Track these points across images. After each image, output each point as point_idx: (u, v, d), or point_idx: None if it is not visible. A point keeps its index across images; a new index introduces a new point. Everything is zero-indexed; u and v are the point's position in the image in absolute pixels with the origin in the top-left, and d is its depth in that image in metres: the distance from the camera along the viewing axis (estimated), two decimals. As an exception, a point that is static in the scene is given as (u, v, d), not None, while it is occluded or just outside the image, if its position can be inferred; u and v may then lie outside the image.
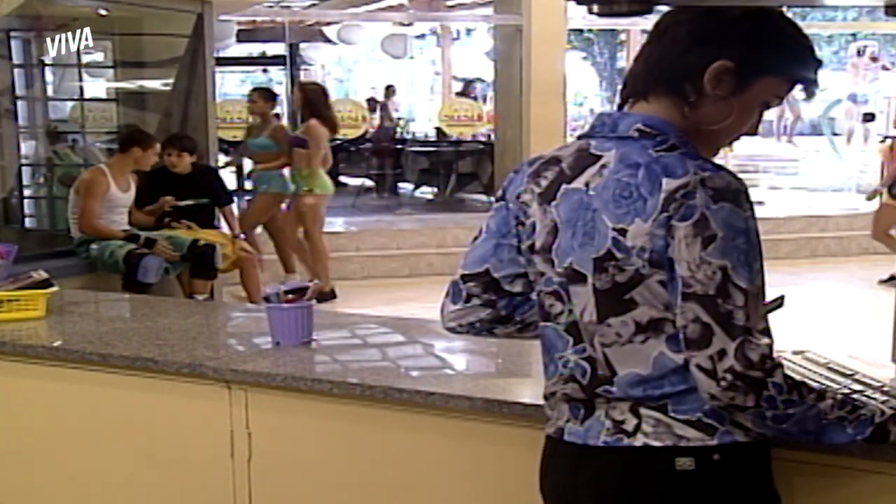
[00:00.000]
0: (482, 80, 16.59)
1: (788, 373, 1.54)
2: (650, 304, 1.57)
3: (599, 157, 1.62)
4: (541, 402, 1.80)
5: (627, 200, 1.55)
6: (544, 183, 1.69)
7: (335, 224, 10.27)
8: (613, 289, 1.59)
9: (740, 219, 1.50)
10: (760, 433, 1.59)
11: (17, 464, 2.79)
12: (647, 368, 1.59)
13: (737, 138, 1.71)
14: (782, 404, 1.50)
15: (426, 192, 12.92)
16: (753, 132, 1.70)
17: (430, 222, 10.12)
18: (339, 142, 12.83)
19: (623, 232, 1.55)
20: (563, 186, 1.66)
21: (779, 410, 1.51)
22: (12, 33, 7.79)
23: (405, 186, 13.19)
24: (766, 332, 1.51)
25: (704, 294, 1.49)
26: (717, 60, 1.58)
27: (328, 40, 16.28)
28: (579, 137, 1.71)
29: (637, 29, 14.14)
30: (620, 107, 1.69)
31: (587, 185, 1.62)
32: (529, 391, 2.10)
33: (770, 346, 1.50)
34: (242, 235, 6.92)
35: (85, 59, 8.05)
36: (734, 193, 1.51)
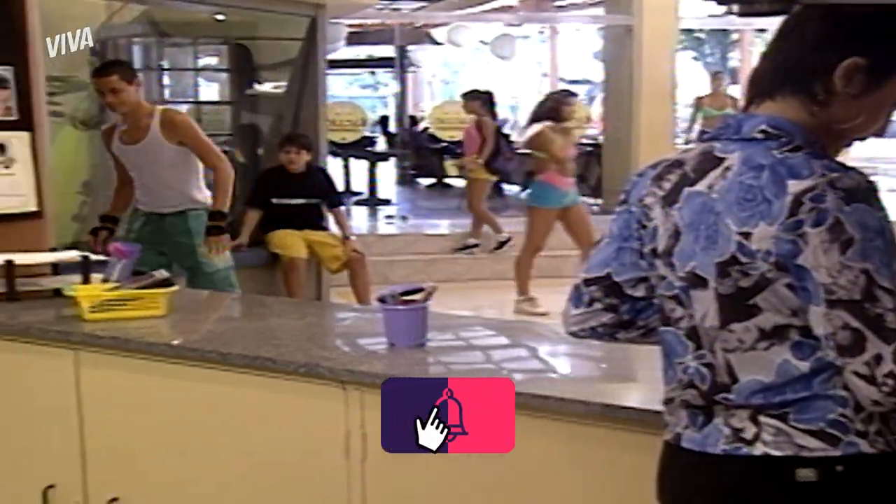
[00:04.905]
0: (591, 82, 16.46)
1: None
2: (775, 309, 1.54)
3: (723, 160, 1.60)
4: (651, 406, 1.78)
5: (752, 203, 1.52)
6: (667, 186, 1.67)
7: (440, 227, 10.33)
8: (737, 294, 1.55)
9: (874, 218, 1.47)
10: (888, 445, 1.54)
11: (136, 458, 2.85)
12: (771, 375, 1.56)
13: (863, 139, 1.67)
14: None
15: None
16: (881, 133, 1.66)
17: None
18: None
19: (747, 236, 1.52)
20: (686, 189, 1.63)
21: None
22: (134, 39, 8.04)
23: (511, 189, 13.14)
24: None
25: (850, 300, 1.45)
26: (849, 58, 1.54)
27: (435, 42, 16.38)
28: (704, 140, 1.69)
29: (750, 29, 13.86)
30: (746, 107, 1.66)
31: (710, 187, 1.59)
32: (639, 396, 2.07)
33: None
34: (353, 237, 6.99)
35: (200, 63, 8.26)
36: (865, 193, 1.47)
